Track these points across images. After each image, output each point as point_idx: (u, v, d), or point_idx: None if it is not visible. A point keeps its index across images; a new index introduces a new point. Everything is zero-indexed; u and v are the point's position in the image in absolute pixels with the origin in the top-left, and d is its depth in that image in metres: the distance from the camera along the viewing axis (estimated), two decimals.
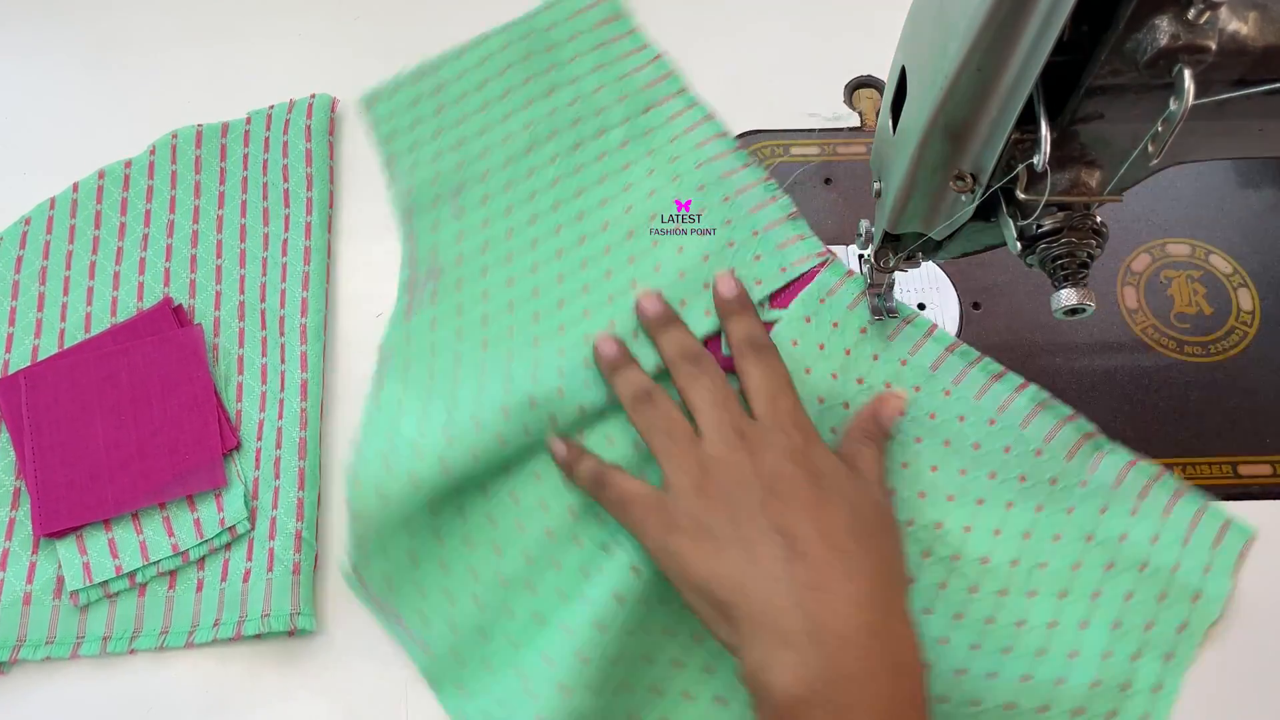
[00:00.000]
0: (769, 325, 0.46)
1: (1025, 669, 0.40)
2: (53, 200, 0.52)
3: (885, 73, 0.38)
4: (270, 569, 0.43)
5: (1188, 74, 0.26)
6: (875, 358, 0.46)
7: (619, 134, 0.51)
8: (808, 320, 0.46)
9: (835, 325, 0.46)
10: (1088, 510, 0.43)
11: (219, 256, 0.51)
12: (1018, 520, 0.43)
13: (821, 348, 0.46)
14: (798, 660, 0.34)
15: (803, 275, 0.47)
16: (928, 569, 0.43)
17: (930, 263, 0.50)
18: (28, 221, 0.52)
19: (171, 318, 0.49)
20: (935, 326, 0.46)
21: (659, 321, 0.45)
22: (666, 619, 0.42)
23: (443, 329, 0.46)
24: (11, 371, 0.48)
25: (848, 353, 0.46)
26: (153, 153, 0.53)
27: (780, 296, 0.47)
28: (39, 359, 0.48)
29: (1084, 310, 0.33)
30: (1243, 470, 0.46)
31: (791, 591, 0.36)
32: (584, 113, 0.52)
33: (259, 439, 0.46)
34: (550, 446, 0.44)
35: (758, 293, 0.46)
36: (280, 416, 0.46)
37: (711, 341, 0.45)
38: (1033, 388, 0.44)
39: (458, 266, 0.47)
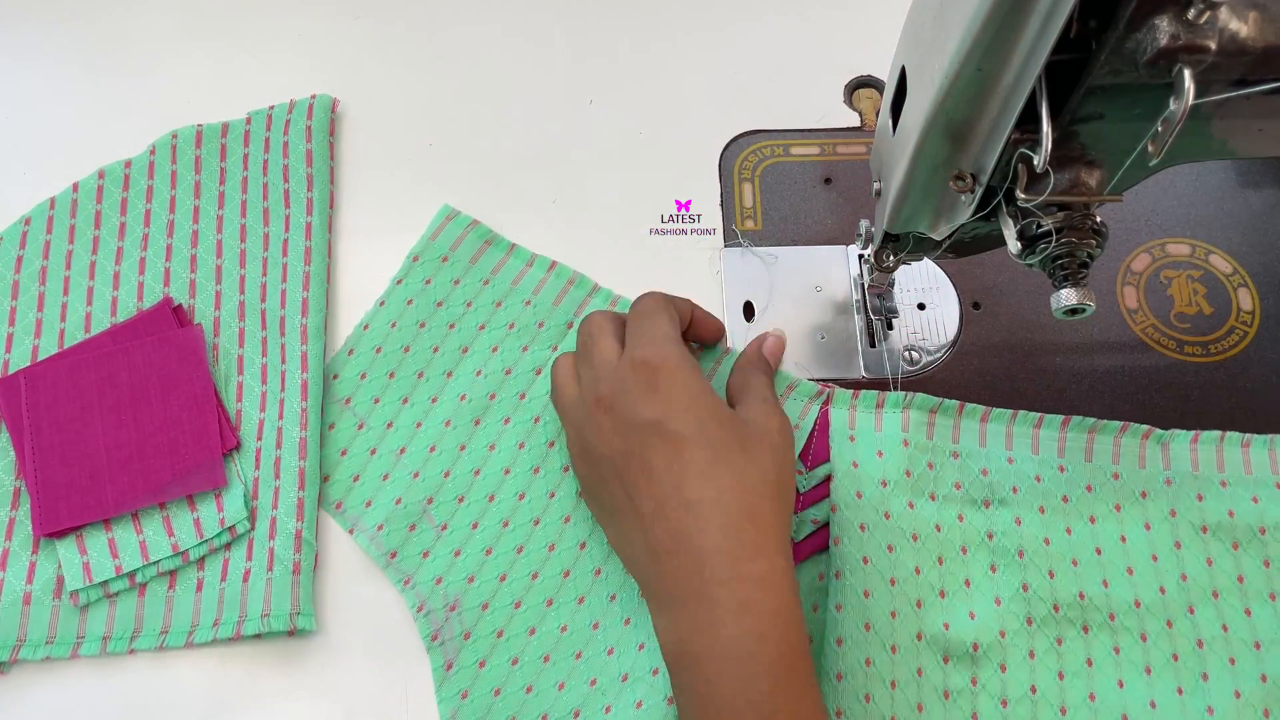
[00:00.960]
0: (821, 488, 0.44)
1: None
2: (53, 200, 0.52)
3: (885, 73, 0.38)
4: (270, 569, 0.43)
5: (1188, 74, 0.26)
6: (930, 466, 0.44)
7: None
8: (855, 465, 0.44)
9: (880, 455, 0.44)
10: (1186, 505, 0.44)
11: (219, 256, 0.51)
12: (1142, 547, 0.43)
13: (885, 484, 0.43)
14: (666, 623, 0.37)
15: (816, 422, 0.45)
16: (1097, 635, 0.42)
17: (930, 262, 0.50)
18: (28, 221, 0.52)
19: (171, 318, 0.49)
20: (962, 405, 0.45)
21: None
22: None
23: (495, 666, 0.43)
24: (11, 371, 0.48)
25: (908, 474, 0.44)
26: (153, 153, 0.53)
27: (809, 452, 0.45)
28: (39, 359, 0.48)
29: (1084, 310, 0.33)
30: None
31: (652, 559, 0.38)
32: (510, 360, 0.48)
33: (259, 439, 0.46)
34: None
35: None
36: (280, 416, 0.46)
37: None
38: (1074, 419, 0.45)
39: (471, 586, 0.44)
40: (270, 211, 0.51)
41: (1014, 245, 0.34)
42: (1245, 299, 0.49)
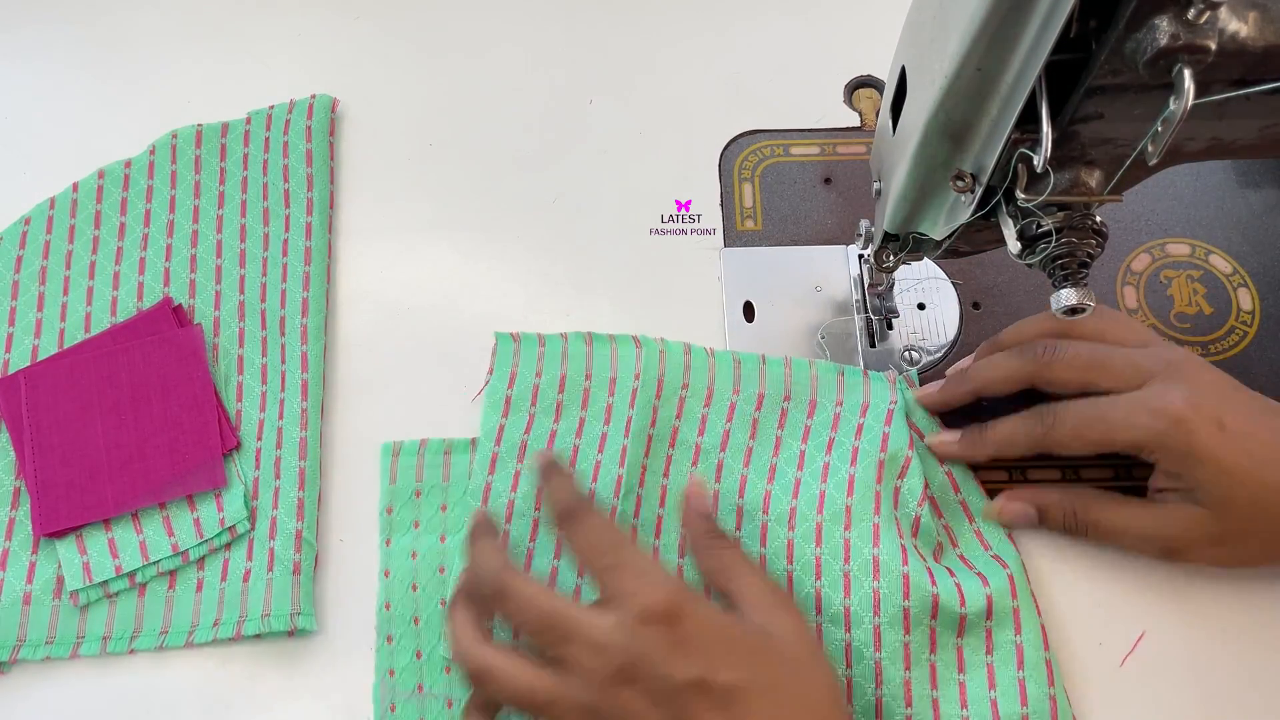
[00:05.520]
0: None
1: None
2: (53, 200, 0.52)
3: (885, 73, 0.38)
4: (270, 569, 0.43)
5: (1188, 74, 0.26)
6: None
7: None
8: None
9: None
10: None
11: (219, 256, 0.51)
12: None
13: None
14: None
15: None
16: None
17: (930, 262, 0.50)
18: (28, 221, 0.52)
19: (171, 318, 0.49)
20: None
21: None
22: None
23: None
24: (11, 371, 0.48)
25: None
26: (152, 153, 0.53)
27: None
28: (39, 359, 0.48)
29: (1084, 310, 0.33)
30: None
31: None
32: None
33: (259, 439, 0.46)
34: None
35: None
36: (280, 416, 0.46)
37: None
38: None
39: None
40: (270, 211, 0.51)
41: (1014, 245, 0.33)
42: (1245, 299, 0.49)
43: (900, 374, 0.46)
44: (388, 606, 0.44)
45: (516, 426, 0.46)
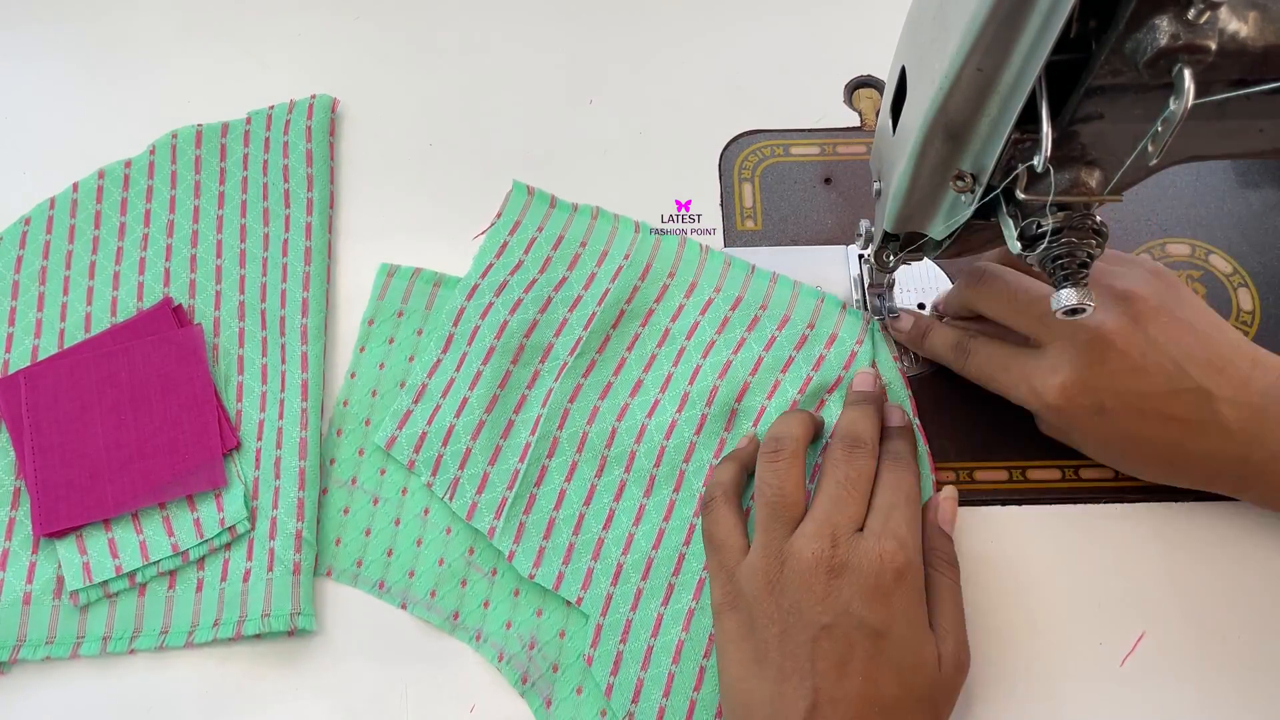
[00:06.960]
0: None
1: None
2: (53, 200, 0.52)
3: (885, 73, 0.38)
4: (270, 569, 0.43)
5: (1188, 74, 0.26)
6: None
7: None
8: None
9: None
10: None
11: (219, 256, 0.51)
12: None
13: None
14: None
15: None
16: None
17: (930, 262, 0.50)
18: (27, 221, 0.52)
19: (171, 318, 0.49)
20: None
21: (858, 396, 0.44)
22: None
23: (591, 690, 0.43)
24: (11, 371, 0.48)
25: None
26: (152, 153, 0.53)
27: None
28: (39, 359, 0.48)
29: (1084, 310, 0.33)
30: None
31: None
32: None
33: (259, 439, 0.46)
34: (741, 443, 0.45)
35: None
36: (280, 416, 0.46)
37: None
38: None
39: (541, 620, 0.44)
40: (270, 211, 0.51)
41: (1014, 245, 0.34)
42: (1245, 299, 0.49)
43: (876, 318, 0.48)
44: (345, 404, 0.48)
45: (504, 267, 0.49)
